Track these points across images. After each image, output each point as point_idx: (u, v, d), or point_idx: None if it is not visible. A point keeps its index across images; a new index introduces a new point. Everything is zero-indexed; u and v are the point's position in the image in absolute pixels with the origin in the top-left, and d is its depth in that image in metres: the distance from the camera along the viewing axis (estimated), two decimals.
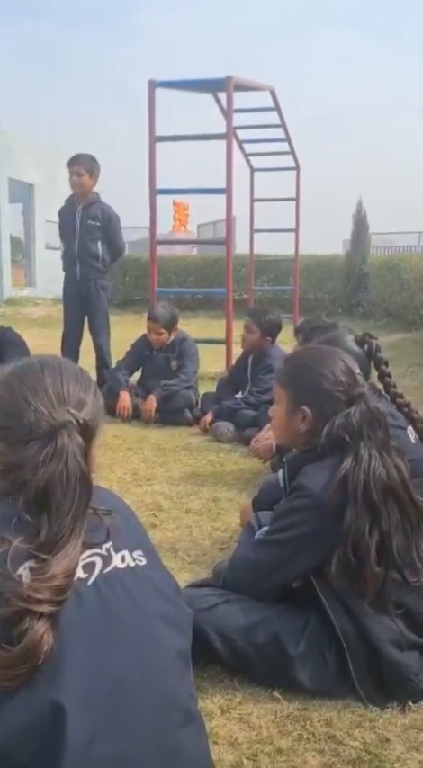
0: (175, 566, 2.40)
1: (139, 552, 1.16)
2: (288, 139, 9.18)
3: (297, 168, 10.24)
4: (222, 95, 6.41)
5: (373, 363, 2.49)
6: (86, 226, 5.34)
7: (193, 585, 1.98)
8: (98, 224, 5.35)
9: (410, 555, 1.69)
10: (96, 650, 1.02)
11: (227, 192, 5.84)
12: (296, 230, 10.66)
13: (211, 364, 6.21)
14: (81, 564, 1.05)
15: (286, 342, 5.38)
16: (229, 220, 6.06)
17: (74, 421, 1.11)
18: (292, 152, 9.70)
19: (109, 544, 1.11)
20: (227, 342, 6.02)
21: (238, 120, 7.69)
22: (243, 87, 6.48)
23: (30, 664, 0.95)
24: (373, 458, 1.68)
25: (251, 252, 10.94)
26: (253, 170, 10.37)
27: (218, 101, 7.06)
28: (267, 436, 3.46)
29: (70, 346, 5.51)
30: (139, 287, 14.97)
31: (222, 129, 6.06)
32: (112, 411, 4.71)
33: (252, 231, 10.75)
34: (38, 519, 1.05)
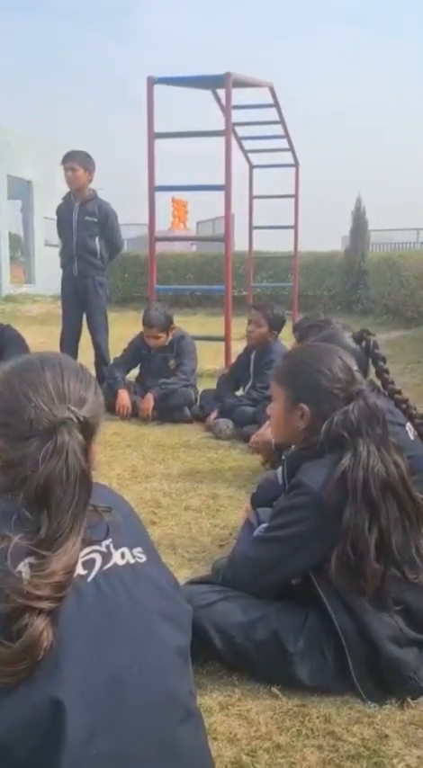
0: (174, 562, 2.40)
1: (139, 549, 1.16)
2: (287, 136, 9.16)
3: (296, 165, 10.22)
4: (221, 92, 6.40)
5: (370, 360, 2.49)
6: (84, 222, 5.33)
7: (192, 582, 1.98)
8: (95, 220, 5.34)
9: (409, 552, 1.70)
10: (96, 647, 1.02)
11: (226, 188, 5.83)
12: (295, 227, 10.64)
13: (210, 361, 6.21)
14: (81, 561, 1.06)
15: (286, 339, 5.38)
16: (228, 217, 6.05)
17: (74, 418, 1.11)
18: (291, 149, 9.68)
19: (109, 541, 1.11)
20: (226, 339, 6.02)
21: (238, 117, 7.69)
22: (242, 84, 6.46)
23: (29, 660, 0.95)
24: (371, 455, 1.68)
25: (250, 249, 10.92)
26: (252, 167, 10.35)
27: (217, 97, 7.05)
28: (266, 432, 3.47)
29: (69, 343, 5.50)
30: (138, 284, 14.97)
31: (221, 127, 6.05)
32: (111, 409, 4.71)
33: (251, 228, 10.73)
34: (38, 516, 1.05)
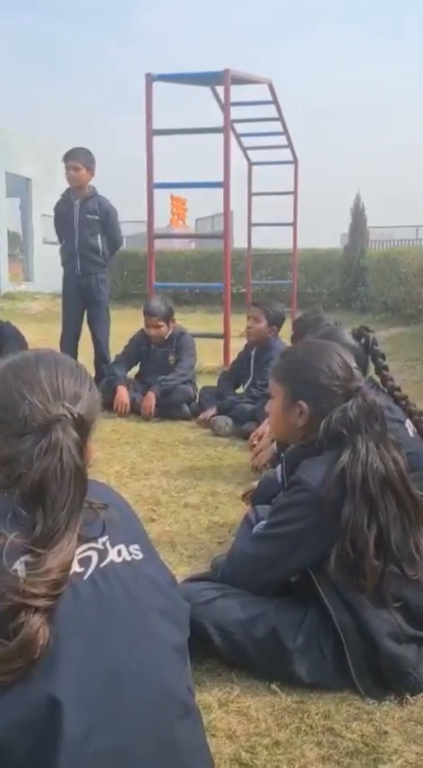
0: (173, 560, 2.40)
1: (136, 546, 1.15)
2: (286, 133, 9.15)
3: (295, 162, 10.21)
4: (220, 90, 6.39)
5: (370, 357, 2.49)
6: (85, 220, 5.33)
7: (191, 579, 1.98)
8: (97, 218, 5.35)
9: (409, 548, 1.69)
10: (93, 644, 1.01)
11: (224, 185, 5.82)
12: (294, 224, 10.64)
13: (209, 359, 6.21)
14: (77, 558, 1.05)
15: (287, 337, 5.37)
16: (227, 214, 6.05)
17: (69, 415, 1.10)
18: (290, 146, 9.67)
19: (105, 538, 1.11)
20: (225, 336, 6.02)
21: (237, 114, 7.68)
22: (241, 80, 6.46)
23: (26, 658, 0.95)
24: (370, 451, 1.68)
25: (249, 246, 10.92)
26: (251, 164, 10.34)
27: (215, 94, 7.04)
28: (266, 430, 3.47)
29: (69, 342, 5.51)
30: (136, 281, 14.98)
31: (220, 124, 6.04)
32: (110, 406, 4.71)
33: (250, 225, 10.73)
34: (33, 513, 1.05)
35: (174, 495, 3.20)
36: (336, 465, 1.67)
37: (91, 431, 1.17)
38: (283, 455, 2.06)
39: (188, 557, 2.47)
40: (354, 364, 1.92)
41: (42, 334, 7.13)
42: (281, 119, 8.56)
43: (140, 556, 1.15)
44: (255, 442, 3.71)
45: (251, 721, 1.57)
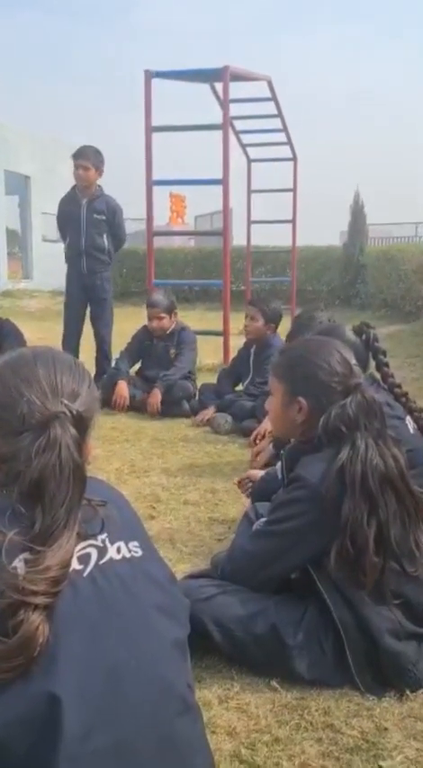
0: (173, 557, 2.40)
1: (135, 543, 1.15)
2: (285, 130, 9.14)
3: (294, 159, 10.19)
4: (219, 86, 6.38)
5: (370, 353, 2.49)
6: (93, 220, 5.33)
7: (191, 576, 1.98)
8: (103, 218, 5.36)
9: (408, 545, 1.69)
10: (92, 641, 1.01)
11: (224, 182, 5.82)
12: (293, 221, 10.63)
13: (209, 356, 6.21)
14: (76, 555, 1.05)
15: (285, 333, 5.38)
16: (227, 212, 6.04)
17: (67, 412, 1.10)
18: (290, 142, 9.66)
19: (104, 535, 1.11)
20: (224, 333, 6.02)
21: (237, 111, 7.67)
22: (240, 77, 6.45)
23: (26, 656, 0.95)
24: (369, 448, 1.68)
25: (248, 243, 10.91)
26: (250, 161, 10.32)
27: (214, 91, 7.02)
28: (268, 429, 3.46)
29: (72, 341, 5.52)
30: (136, 279, 14.95)
31: (219, 121, 6.03)
32: (109, 402, 4.72)
33: (249, 222, 10.72)
34: (32, 511, 1.04)
35: (173, 492, 3.20)
36: (335, 462, 1.67)
37: (90, 428, 1.16)
38: (282, 452, 2.06)
39: (188, 554, 2.47)
40: (353, 361, 1.91)
41: (42, 333, 7.13)
42: (280, 116, 8.55)
43: (140, 553, 1.15)
44: (256, 441, 3.71)
45: (251, 718, 1.57)
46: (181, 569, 2.23)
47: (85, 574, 1.06)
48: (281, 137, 9.46)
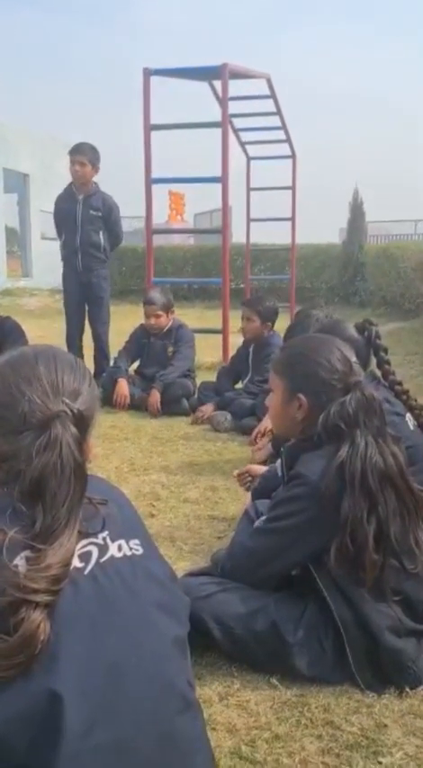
0: (173, 555, 2.40)
1: (136, 541, 1.16)
2: (284, 127, 9.13)
3: (293, 157, 10.18)
4: (218, 84, 6.37)
5: (372, 350, 2.49)
6: (88, 217, 5.33)
7: (191, 574, 1.98)
8: (100, 214, 5.35)
9: (408, 542, 1.70)
10: (93, 639, 1.02)
11: (223, 180, 5.81)
12: (293, 219, 10.62)
13: (208, 354, 6.21)
14: (77, 553, 1.05)
15: (283, 330, 5.38)
16: (226, 209, 6.03)
17: (68, 411, 1.10)
18: (289, 140, 9.65)
19: (105, 533, 1.11)
20: (223, 332, 6.01)
21: (236, 109, 7.65)
22: (239, 75, 6.43)
23: (27, 653, 0.95)
24: (369, 445, 1.68)
25: (247, 241, 10.90)
26: (249, 159, 10.31)
27: (213, 89, 7.01)
28: (269, 427, 3.46)
29: (75, 340, 5.52)
30: (135, 277, 14.93)
31: (218, 119, 6.02)
32: (110, 401, 4.72)
33: (248, 220, 10.71)
34: (33, 509, 1.04)
35: (173, 490, 3.20)
36: (335, 459, 1.67)
37: (91, 427, 1.17)
38: (282, 449, 2.06)
39: (188, 551, 2.48)
40: (354, 358, 1.92)
41: (41, 331, 7.12)
42: (279, 113, 8.53)
43: (140, 551, 1.15)
44: (256, 439, 3.71)
45: (251, 715, 1.57)
46: (181, 567, 2.24)
47: (86, 572, 1.06)
48: (280, 134, 9.44)
